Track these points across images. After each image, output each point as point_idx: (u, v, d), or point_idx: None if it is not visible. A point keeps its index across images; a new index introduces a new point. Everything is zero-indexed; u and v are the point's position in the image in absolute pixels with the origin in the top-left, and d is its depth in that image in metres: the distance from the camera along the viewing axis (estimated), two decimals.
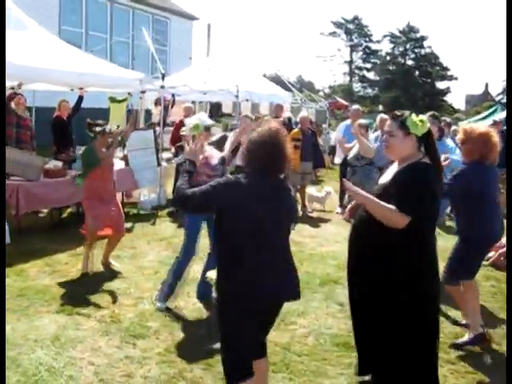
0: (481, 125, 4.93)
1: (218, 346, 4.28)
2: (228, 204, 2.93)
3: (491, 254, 7.02)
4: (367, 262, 3.44)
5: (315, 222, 8.93)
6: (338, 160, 9.51)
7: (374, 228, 3.31)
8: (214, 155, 5.19)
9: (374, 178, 5.68)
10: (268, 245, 2.98)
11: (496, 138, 4.46)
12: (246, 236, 2.92)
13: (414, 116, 3.36)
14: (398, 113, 3.48)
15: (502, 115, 17.90)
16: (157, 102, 12.10)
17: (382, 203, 3.24)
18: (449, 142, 6.82)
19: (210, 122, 5.32)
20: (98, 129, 5.99)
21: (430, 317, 3.47)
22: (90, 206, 5.93)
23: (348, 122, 9.89)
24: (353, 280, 3.64)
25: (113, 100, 11.11)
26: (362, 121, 8.66)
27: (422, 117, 3.39)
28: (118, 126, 6.91)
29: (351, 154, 8.02)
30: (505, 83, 51.70)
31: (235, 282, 2.95)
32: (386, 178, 3.50)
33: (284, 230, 3.13)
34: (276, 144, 3.03)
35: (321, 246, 7.43)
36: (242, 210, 2.91)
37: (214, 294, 4.94)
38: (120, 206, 6.32)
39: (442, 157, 4.37)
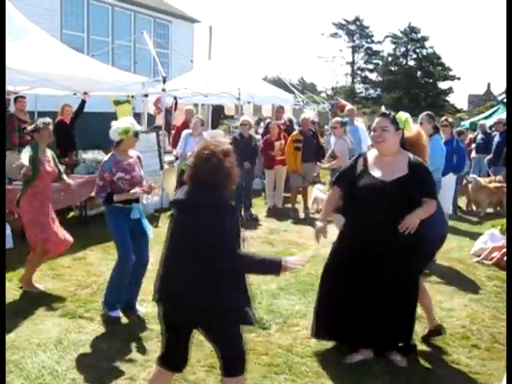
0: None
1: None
2: None
3: (494, 253, 7.01)
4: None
5: None
6: None
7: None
8: (137, 164, 5.08)
9: None
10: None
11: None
12: None
13: (401, 113, 3.94)
14: (386, 111, 4.13)
15: (504, 115, 17.87)
16: (156, 103, 12.12)
17: (424, 209, 3.86)
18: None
19: (138, 126, 5.07)
20: (30, 128, 5.83)
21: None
22: None
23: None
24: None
25: (117, 103, 11.13)
26: (339, 118, 9.11)
27: (408, 117, 3.96)
28: None
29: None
30: None
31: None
32: (390, 171, 3.90)
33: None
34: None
35: (323, 247, 7.41)
36: None
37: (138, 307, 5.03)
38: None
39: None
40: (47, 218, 5.57)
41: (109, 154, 4.96)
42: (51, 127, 5.76)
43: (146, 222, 5.01)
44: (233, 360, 3.03)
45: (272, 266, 2.98)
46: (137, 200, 4.97)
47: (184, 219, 2.97)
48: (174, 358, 3.12)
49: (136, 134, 4.96)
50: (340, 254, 4.18)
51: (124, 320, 4.84)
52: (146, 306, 5.10)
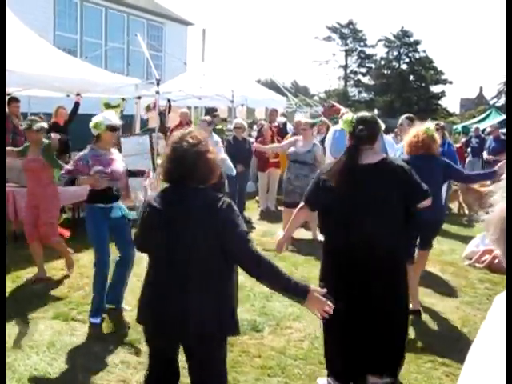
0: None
1: None
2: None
3: (486, 256, 7.04)
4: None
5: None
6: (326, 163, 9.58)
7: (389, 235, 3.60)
8: (118, 160, 5.05)
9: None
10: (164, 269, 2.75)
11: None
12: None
13: (347, 115, 3.90)
14: (374, 113, 4.00)
15: (496, 119, 18.01)
16: (149, 108, 12.09)
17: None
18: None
19: (115, 121, 4.96)
20: (24, 125, 5.88)
21: None
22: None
23: (338, 126, 9.88)
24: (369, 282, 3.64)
25: (107, 106, 11.11)
26: (309, 120, 9.28)
27: (348, 117, 3.81)
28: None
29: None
30: (499, 86, 51.99)
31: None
32: None
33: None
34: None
35: (316, 250, 7.43)
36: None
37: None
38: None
39: None
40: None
41: (87, 147, 4.95)
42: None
43: (128, 213, 5.04)
44: None
45: None
46: (117, 198, 4.95)
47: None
48: None
49: (111, 129, 4.89)
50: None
51: (117, 322, 4.83)
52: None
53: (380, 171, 3.61)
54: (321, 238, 5.38)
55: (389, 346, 3.75)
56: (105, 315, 4.95)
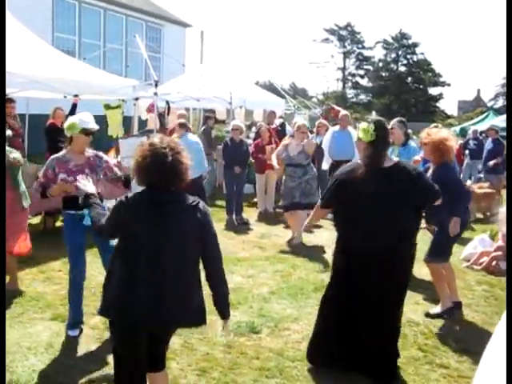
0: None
1: (211, 351, 4.31)
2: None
3: (483, 259, 7.06)
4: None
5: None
6: (325, 166, 9.54)
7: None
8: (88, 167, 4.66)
9: None
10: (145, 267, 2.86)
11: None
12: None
13: (362, 124, 3.99)
14: (368, 118, 4.43)
15: (493, 121, 18.04)
16: (149, 110, 12.09)
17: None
18: (413, 144, 7.06)
19: (92, 125, 4.62)
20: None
21: None
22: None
23: (336, 128, 9.89)
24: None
25: (108, 107, 11.10)
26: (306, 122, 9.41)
27: (365, 126, 3.94)
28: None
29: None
30: (497, 88, 52.13)
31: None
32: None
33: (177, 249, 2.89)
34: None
35: (314, 252, 7.45)
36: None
37: None
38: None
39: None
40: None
41: (61, 151, 4.69)
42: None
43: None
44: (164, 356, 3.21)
45: None
46: (88, 205, 4.01)
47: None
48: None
49: (87, 133, 4.56)
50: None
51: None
52: None
53: (396, 173, 3.92)
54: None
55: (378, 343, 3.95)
56: (100, 317, 4.92)
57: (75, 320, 4.66)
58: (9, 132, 5.84)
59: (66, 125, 4.58)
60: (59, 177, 4.53)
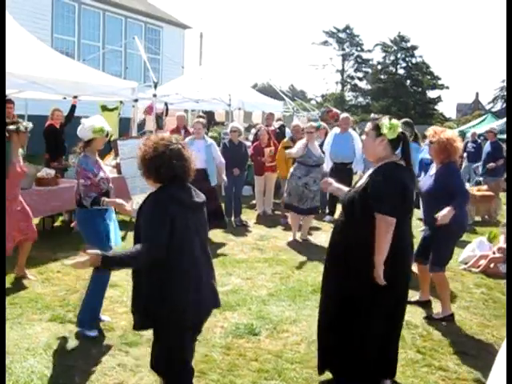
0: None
1: (210, 353, 4.31)
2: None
3: (482, 261, 7.07)
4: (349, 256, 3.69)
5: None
6: (325, 167, 9.55)
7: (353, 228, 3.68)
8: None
9: None
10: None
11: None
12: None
13: (386, 119, 3.74)
14: (376, 116, 3.94)
15: (491, 125, 18.05)
16: (147, 111, 12.11)
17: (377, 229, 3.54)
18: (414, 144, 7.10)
19: (108, 127, 4.92)
20: (11, 127, 5.66)
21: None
22: None
23: (337, 130, 9.92)
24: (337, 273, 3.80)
25: (104, 108, 11.11)
26: (314, 123, 9.31)
27: (394, 122, 3.72)
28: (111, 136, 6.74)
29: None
30: (495, 92, 52.21)
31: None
32: (364, 178, 3.84)
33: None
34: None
35: (312, 254, 7.45)
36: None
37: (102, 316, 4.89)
38: (27, 209, 6.08)
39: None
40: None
41: (81, 155, 4.76)
42: (29, 135, 5.85)
43: (117, 228, 4.96)
44: None
45: None
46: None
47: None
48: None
49: (107, 134, 4.87)
50: None
51: (114, 325, 4.83)
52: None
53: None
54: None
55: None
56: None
57: (95, 318, 4.74)
58: (30, 124, 5.87)
59: (94, 128, 4.67)
60: (99, 175, 4.71)
